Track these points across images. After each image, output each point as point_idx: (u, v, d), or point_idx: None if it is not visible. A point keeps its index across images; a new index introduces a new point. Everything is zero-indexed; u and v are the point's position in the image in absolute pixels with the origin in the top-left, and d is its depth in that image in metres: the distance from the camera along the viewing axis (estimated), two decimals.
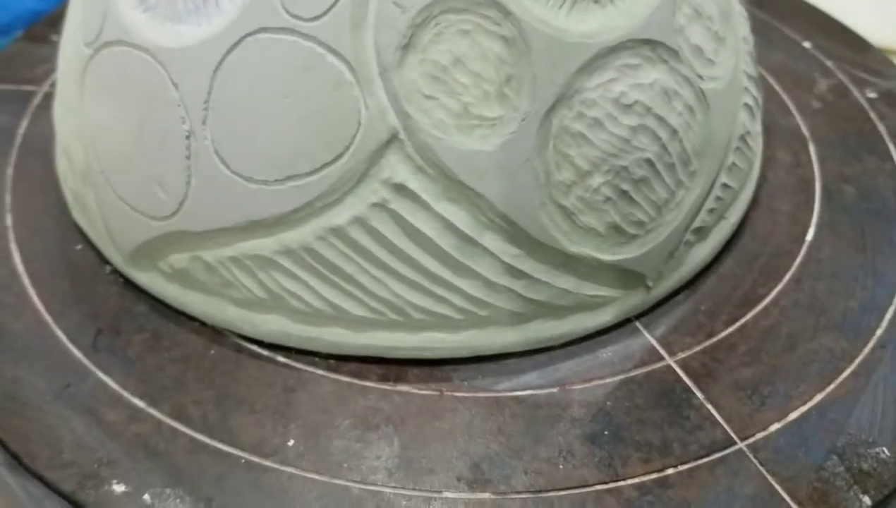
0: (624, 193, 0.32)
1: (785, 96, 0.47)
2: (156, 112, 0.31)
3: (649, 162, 0.32)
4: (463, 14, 0.28)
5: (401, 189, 0.30)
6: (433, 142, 0.29)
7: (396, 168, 0.29)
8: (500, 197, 0.30)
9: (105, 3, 0.32)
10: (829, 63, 0.49)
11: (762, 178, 0.41)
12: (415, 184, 0.30)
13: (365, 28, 0.28)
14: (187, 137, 0.30)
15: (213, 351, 0.33)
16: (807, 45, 0.51)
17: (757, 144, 0.39)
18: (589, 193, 0.31)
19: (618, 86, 0.30)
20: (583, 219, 0.31)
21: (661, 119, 0.31)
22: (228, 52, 0.29)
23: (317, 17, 0.28)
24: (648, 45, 0.31)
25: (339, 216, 0.30)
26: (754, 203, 0.40)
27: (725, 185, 0.36)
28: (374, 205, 0.30)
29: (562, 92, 0.29)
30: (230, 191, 0.30)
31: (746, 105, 0.37)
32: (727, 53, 0.34)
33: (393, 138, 0.29)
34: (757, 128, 0.39)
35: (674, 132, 0.32)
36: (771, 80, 0.48)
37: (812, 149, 0.44)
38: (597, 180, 0.31)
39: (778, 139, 0.44)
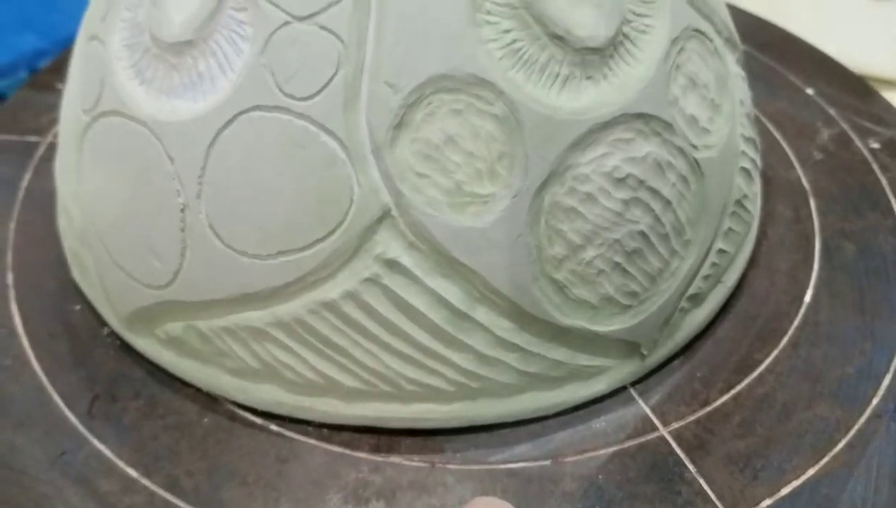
0: (617, 265, 0.32)
1: (786, 146, 0.47)
2: (151, 184, 0.31)
3: (642, 234, 0.32)
4: (455, 94, 0.29)
5: (393, 264, 0.30)
6: (426, 219, 0.29)
7: (389, 244, 0.30)
8: (492, 272, 0.30)
9: (103, 72, 0.32)
10: (831, 111, 0.49)
11: (761, 234, 0.41)
12: (407, 259, 0.30)
13: (357, 108, 0.29)
14: (182, 210, 0.30)
15: (206, 419, 0.33)
16: (810, 91, 0.51)
17: (755, 206, 0.39)
18: (581, 266, 0.31)
19: (610, 160, 0.30)
20: (576, 291, 0.31)
21: (654, 191, 0.31)
22: (223, 128, 0.29)
23: (310, 97, 0.28)
24: (642, 119, 0.31)
25: (332, 290, 0.30)
26: (753, 261, 0.40)
27: (721, 250, 0.36)
28: (367, 279, 0.30)
29: (554, 168, 0.30)
30: (224, 264, 0.30)
31: (743, 169, 0.36)
32: (722, 120, 0.34)
33: (385, 215, 0.29)
34: (755, 189, 0.39)
35: (667, 203, 0.32)
36: (772, 130, 0.48)
37: (813, 203, 0.44)
38: (589, 253, 0.31)
39: (778, 192, 0.44)
